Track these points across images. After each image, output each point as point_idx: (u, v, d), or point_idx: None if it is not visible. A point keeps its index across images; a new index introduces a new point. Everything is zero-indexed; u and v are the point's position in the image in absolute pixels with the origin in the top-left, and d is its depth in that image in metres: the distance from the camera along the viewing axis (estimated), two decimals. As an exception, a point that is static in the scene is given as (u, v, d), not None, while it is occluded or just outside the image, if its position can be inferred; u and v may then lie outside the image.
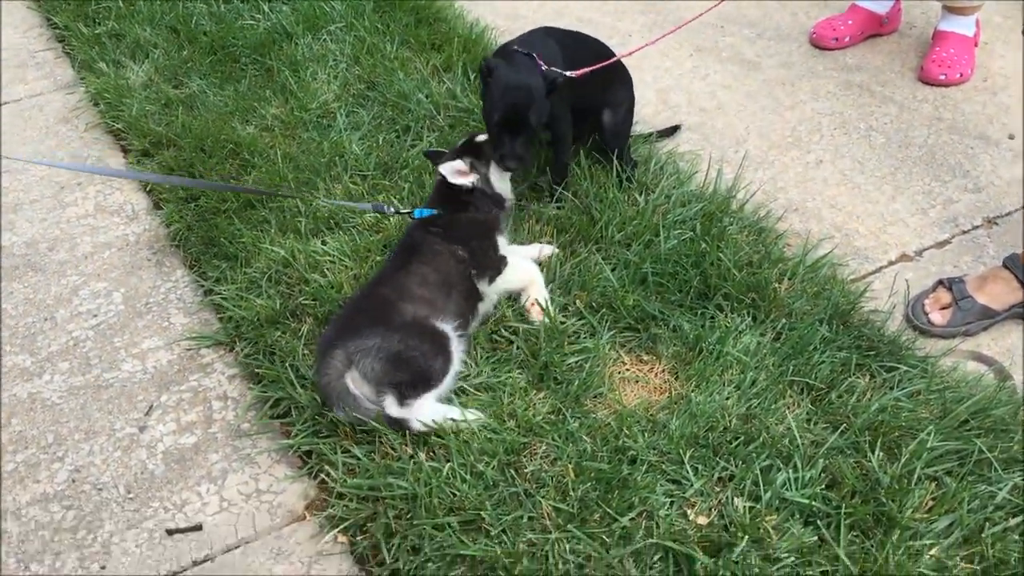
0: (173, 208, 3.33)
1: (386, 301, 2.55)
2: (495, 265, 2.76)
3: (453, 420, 2.40)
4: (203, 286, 3.06)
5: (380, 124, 3.63)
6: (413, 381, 2.41)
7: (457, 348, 2.52)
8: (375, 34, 4.14)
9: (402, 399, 2.39)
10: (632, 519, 2.19)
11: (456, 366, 2.51)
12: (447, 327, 2.52)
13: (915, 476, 2.24)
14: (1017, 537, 2.11)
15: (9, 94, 4.15)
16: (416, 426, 2.39)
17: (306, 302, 2.83)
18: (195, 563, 2.29)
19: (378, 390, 2.40)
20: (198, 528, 2.37)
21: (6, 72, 4.25)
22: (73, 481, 2.50)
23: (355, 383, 2.41)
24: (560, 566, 2.11)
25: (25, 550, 2.33)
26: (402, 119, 3.64)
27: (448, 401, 2.49)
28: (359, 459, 2.38)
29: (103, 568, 2.28)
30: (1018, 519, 2.14)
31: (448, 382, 2.48)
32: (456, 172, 2.80)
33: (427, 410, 2.41)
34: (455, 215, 2.81)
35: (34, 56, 4.38)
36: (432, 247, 2.71)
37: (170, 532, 2.36)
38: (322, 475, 2.42)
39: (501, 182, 2.92)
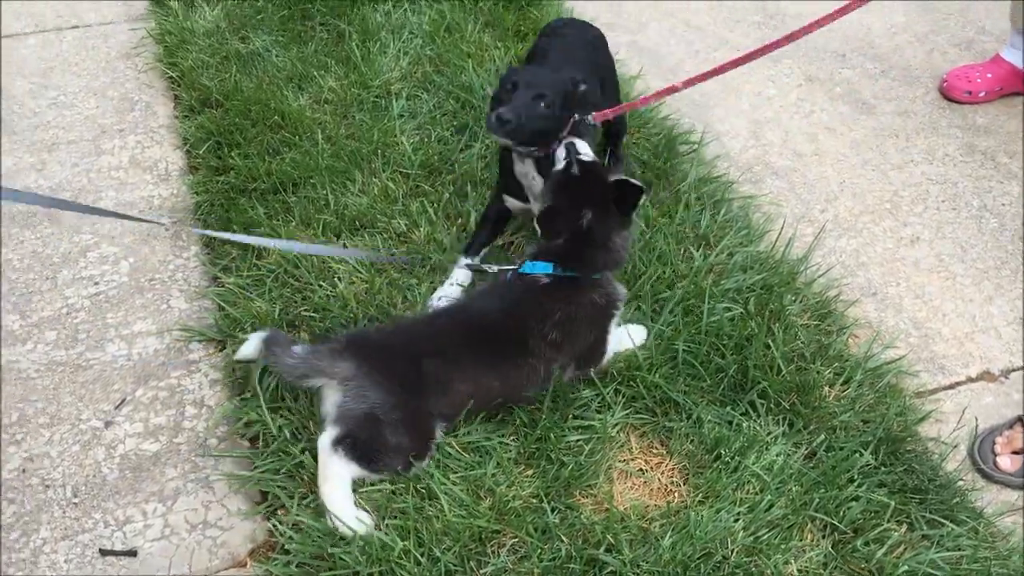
0: (203, 176, 3.14)
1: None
2: (599, 358, 2.44)
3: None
4: (210, 272, 2.86)
5: (437, 117, 3.35)
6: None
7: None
8: (459, 11, 3.84)
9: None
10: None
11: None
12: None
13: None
14: None
15: (81, 18, 4.01)
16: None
17: (307, 312, 2.61)
18: (119, 594, 2.12)
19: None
20: (133, 554, 2.19)
21: (82, -6, 4.11)
22: (24, 471, 2.35)
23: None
24: None
25: (-52, 541, 2.20)
26: (463, 115, 3.35)
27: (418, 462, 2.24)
28: (308, 518, 2.14)
29: (24, 580, 2.14)
30: None
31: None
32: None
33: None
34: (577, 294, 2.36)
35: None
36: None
37: (104, 552, 2.19)
38: (274, 520, 2.21)
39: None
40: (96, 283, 2.85)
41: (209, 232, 2.86)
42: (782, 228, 2.95)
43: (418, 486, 2.19)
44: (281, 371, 2.27)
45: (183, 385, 2.57)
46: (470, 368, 2.26)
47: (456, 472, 2.23)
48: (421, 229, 2.85)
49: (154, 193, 3.17)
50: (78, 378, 2.58)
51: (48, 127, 3.42)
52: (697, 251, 2.79)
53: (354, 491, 2.16)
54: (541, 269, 2.35)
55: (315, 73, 3.53)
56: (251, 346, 2.35)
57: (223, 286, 2.76)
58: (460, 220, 2.90)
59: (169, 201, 3.14)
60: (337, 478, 2.14)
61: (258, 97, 3.35)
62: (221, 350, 2.65)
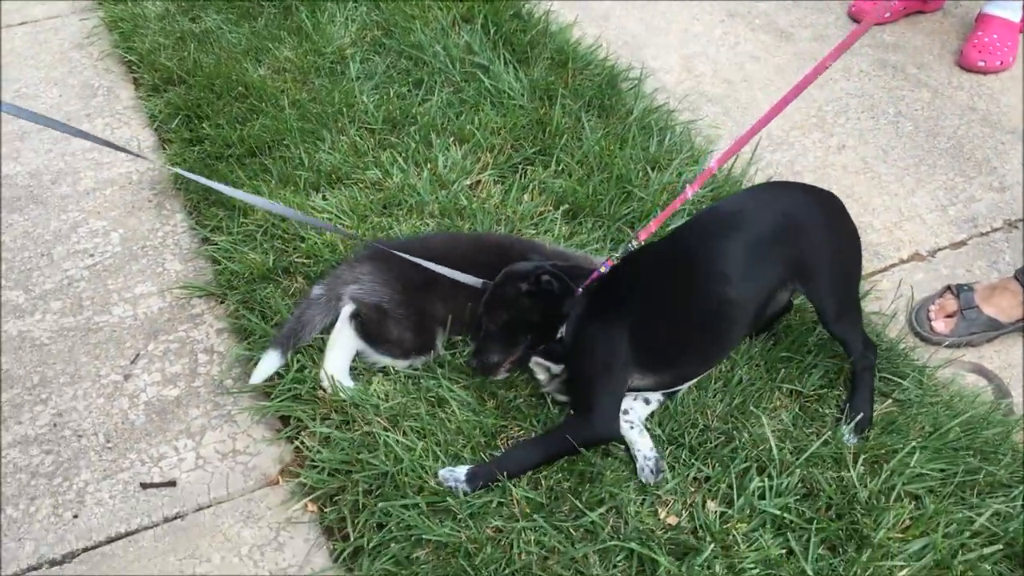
0: (178, 148, 3.30)
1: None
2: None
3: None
4: (200, 233, 3.03)
5: (393, 76, 3.55)
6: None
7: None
8: (398, -23, 4.03)
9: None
10: (601, 514, 2.16)
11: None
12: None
13: (895, 493, 2.19)
14: (989, 567, 2.06)
15: (27, 14, 4.10)
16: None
17: (299, 260, 2.80)
18: (166, 519, 2.31)
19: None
20: (172, 484, 2.38)
21: (25, -9, 4.20)
22: (55, 425, 2.52)
23: None
24: (523, 557, 2.10)
25: (2, 492, 2.36)
26: (416, 71, 3.55)
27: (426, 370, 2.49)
28: (333, 431, 2.37)
29: (75, 517, 2.31)
30: (993, 548, 2.09)
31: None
32: None
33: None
34: None
35: (54, -25, 4.32)
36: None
37: (144, 486, 2.38)
38: (297, 441, 2.42)
39: None
40: (91, 255, 3.00)
41: (200, 180, 2.95)
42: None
43: (428, 396, 2.41)
44: (317, 316, 2.50)
45: (192, 336, 2.75)
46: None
47: (459, 383, 2.46)
48: (394, 177, 3.06)
49: (132, 169, 3.32)
50: (90, 340, 2.73)
51: (15, 119, 3.52)
52: (653, 172, 3.06)
53: (374, 403, 2.38)
54: None
55: (269, 45, 3.69)
56: (270, 360, 2.46)
57: (215, 244, 2.93)
58: (430, 165, 3.10)
59: (148, 175, 3.29)
60: (344, 346, 2.46)
61: (219, 71, 3.50)
62: (222, 302, 2.83)
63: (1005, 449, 2.32)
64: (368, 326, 2.46)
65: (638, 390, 2.35)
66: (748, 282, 2.24)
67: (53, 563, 2.22)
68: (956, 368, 2.62)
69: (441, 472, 2.22)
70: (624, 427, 2.30)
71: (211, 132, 3.27)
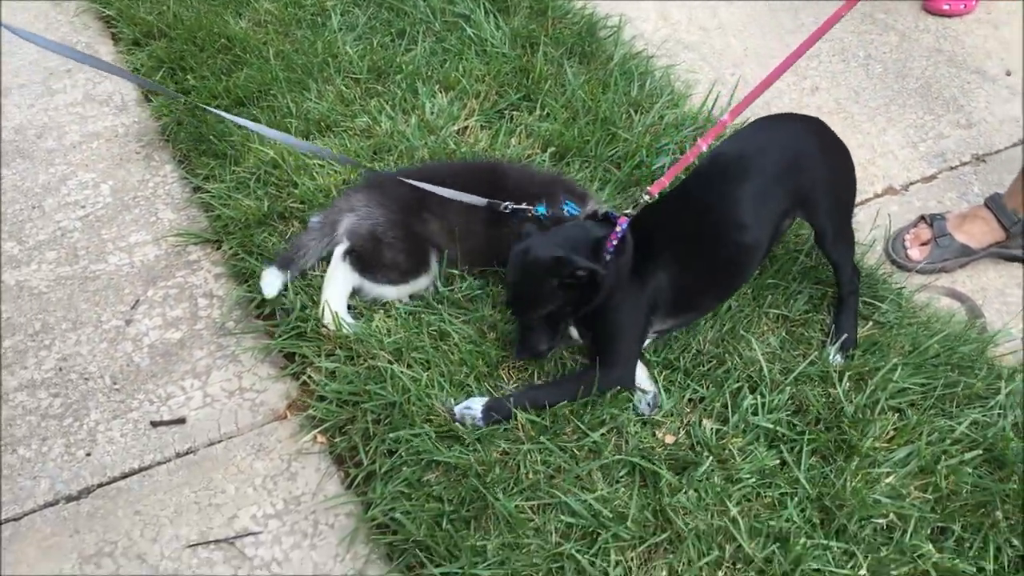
0: (163, 101, 3.31)
1: None
2: None
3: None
4: (192, 183, 3.06)
5: (375, 26, 3.58)
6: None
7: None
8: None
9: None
10: (603, 435, 2.26)
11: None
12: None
13: (879, 407, 2.31)
14: (970, 471, 2.19)
15: (-3, -27, 4.06)
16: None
17: (294, 205, 2.84)
18: (178, 455, 2.36)
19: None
20: (182, 421, 2.43)
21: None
22: (60, 370, 2.55)
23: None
24: (531, 476, 2.18)
25: (12, 434, 2.39)
26: (398, 22, 3.59)
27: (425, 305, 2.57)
28: (340, 365, 2.43)
29: (88, 455, 2.35)
30: (973, 453, 2.22)
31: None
32: None
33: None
34: None
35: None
36: None
37: (154, 424, 2.43)
38: (304, 377, 2.48)
39: None
40: (83, 207, 3.02)
41: (224, 115, 2.94)
42: (710, 90, 3.31)
43: (431, 330, 2.48)
44: (312, 241, 2.58)
45: (190, 282, 2.79)
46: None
47: (460, 317, 2.54)
48: (382, 125, 3.10)
49: (116, 123, 3.33)
50: (88, 287, 2.76)
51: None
52: (636, 115, 3.14)
53: (378, 338, 2.44)
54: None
55: (248, -2, 3.71)
56: (272, 279, 2.54)
57: (209, 192, 2.96)
58: (417, 112, 3.15)
59: (133, 128, 3.31)
60: (341, 282, 2.52)
61: (200, 24, 3.51)
62: (218, 248, 2.87)
63: (981, 364, 2.45)
64: (363, 257, 2.52)
65: (658, 333, 2.44)
66: (762, 224, 2.34)
67: (69, 499, 2.27)
68: (931, 292, 2.75)
69: (456, 408, 2.28)
70: None
71: (196, 84, 3.29)
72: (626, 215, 2.36)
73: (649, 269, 2.33)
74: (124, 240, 2.91)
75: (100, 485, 2.29)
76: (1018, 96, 3.46)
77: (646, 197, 2.37)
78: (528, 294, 2.29)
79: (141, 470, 2.33)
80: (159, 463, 2.34)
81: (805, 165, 2.40)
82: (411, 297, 2.59)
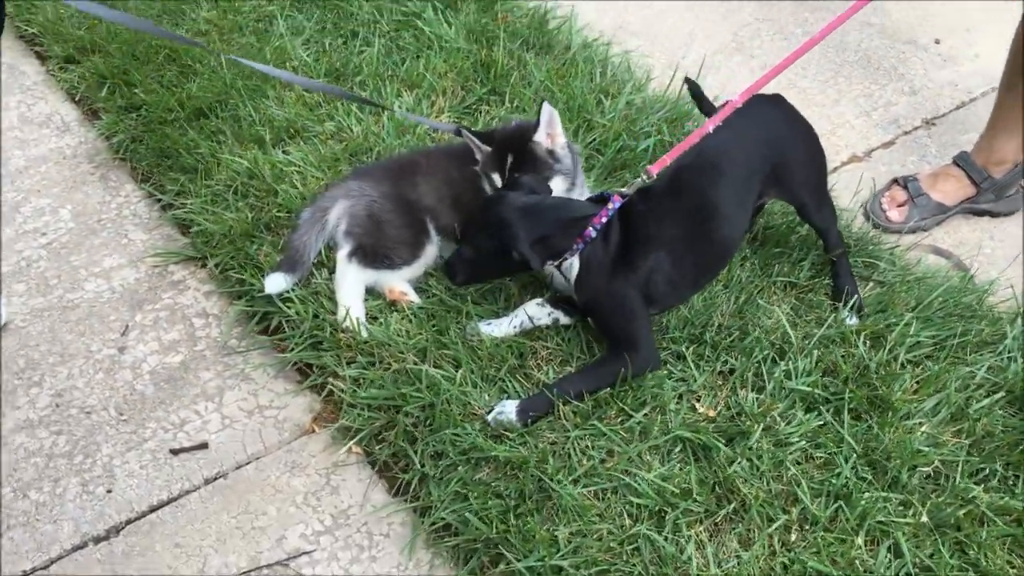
0: (113, 118, 3.13)
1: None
2: None
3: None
4: (160, 200, 2.91)
5: (324, 29, 3.48)
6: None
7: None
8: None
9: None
10: (646, 414, 2.26)
11: None
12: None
13: (899, 361, 2.39)
14: (1000, 412, 2.29)
15: None
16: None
17: (279, 214, 2.74)
18: (207, 480, 2.24)
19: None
20: (204, 446, 2.30)
21: None
22: (57, 406, 2.38)
23: None
24: (585, 462, 2.16)
25: (20, 478, 2.21)
26: (346, 24, 3.50)
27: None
28: (363, 371, 2.35)
29: (109, 491, 2.20)
30: (998, 395, 2.32)
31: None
32: None
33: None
34: None
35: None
36: None
37: (175, 452, 2.29)
38: (328, 387, 2.38)
39: None
40: (43, 233, 2.82)
41: (255, 65, 2.85)
42: (673, 75, 3.34)
43: (456, 327, 2.43)
44: (311, 240, 2.50)
45: (179, 302, 2.64)
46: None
47: (483, 312, 2.49)
48: (353, 128, 3.02)
49: (62, 144, 3.13)
50: (69, 317, 2.59)
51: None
52: (607, 101, 3.15)
53: (401, 340, 2.37)
54: None
55: (183, 8, 3.54)
56: (277, 279, 2.45)
57: (183, 208, 2.82)
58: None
59: (82, 149, 3.12)
60: (352, 283, 2.46)
61: (139, 37, 3.34)
62: (203, 266, 2.73)
63: (983, 312, 2.57)
64: (367, 249, 2.47)
65: None
66: (742, 213, 2.44)
67: (98, 539, 2.11)
68: (917, 252, 2.86)
69: (489, 417, 2.23)
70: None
71: (147, 98, 3.12)
72: (620, 193, 2.38)
73: (639, 257, 2.36)
74: (97, 265, 2.73)
75: (129, 521, 2.15)
76: (950, 62, 3.65)
77: (644, 177, 2.39)
78: (474, 234, 2.38)
79: (171, 501, 2.19)
80: (188, 491, 2.21)
81: (778, 148, 2.49)
82: (422, 298, 2.52)
